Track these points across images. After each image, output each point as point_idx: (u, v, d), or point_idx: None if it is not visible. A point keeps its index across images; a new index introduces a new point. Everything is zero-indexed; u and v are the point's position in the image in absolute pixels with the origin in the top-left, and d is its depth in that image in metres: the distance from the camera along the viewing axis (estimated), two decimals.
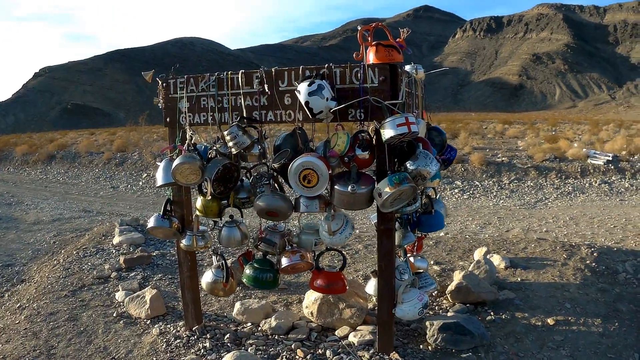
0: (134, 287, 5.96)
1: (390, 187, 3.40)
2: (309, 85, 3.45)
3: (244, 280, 4.06)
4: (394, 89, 3.58)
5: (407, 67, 4.33)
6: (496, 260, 6.31)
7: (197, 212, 4.20)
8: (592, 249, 6.44)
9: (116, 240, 7.95)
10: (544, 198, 13.98)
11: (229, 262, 5.88)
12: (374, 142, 3.67)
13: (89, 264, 7.01)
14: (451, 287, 5.28)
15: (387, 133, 3.39)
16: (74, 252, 7.62)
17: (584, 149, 16.64)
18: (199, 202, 4.17)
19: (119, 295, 5.73)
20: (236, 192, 4.08)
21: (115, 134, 30.30)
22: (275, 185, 3.91)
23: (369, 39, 3.63)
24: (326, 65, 3.65)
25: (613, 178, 15.11)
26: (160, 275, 6.47)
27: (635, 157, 16.19)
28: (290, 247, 4.03)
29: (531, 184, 15.16)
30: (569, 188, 14.68)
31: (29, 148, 25.07)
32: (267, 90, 3.80)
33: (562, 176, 15.46)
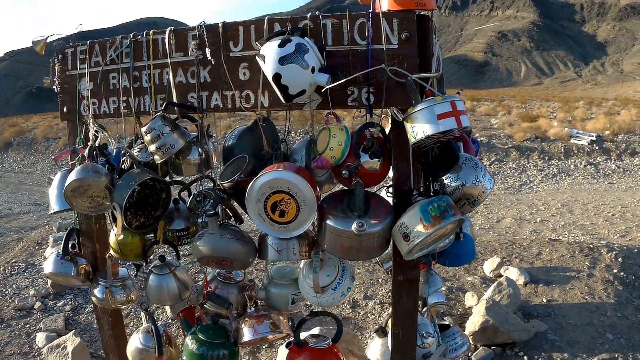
0: (58, 326, 4.49)
1: (426, 224, 1.88)
2: (281, 45, 1.87)
3: (185, 358, 2.48)
4: (424, 53, 2.04)
5: None
6: (513, 274, 4.96)
7: (112, 252, 2.60)
8: (615, 253, 5.45)
9: (49, 252, 6.29)
10: (528, 181, 12.76)
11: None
12: (389, 143, 2.13)
13: (14, 286, 5.56)
14: (473, 325, 3.85)
15: (421, 129, 1.85)
16: (0, 269, 6.01)
17: (566, 129, 15.39)
18: (112, 236, 2.57)
19: (39, 339, 4.32)
20: (168, 222, 2.49)
21: None
22: (228, 210, 2.32)
23: None
24: (309, 15, 2.06)
25: (598, 159, 13.91)
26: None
27: (619, 137, 14.99)
28: (253, 307, 2.46)
29: (513, 165, 13.87)
30: (554, 170, 13.44)
31: None
32: (209, 57, 2.19)
33: (545, 157, 14.20)
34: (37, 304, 4.93)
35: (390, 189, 2.19)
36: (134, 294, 2.74)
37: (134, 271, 2.76)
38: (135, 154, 2.39)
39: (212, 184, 2.37)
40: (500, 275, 5.07)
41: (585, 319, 4.24)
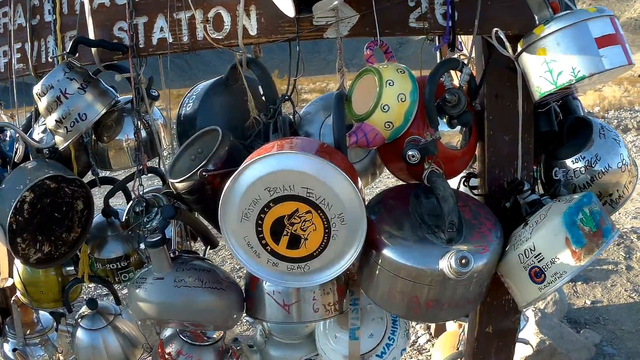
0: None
1: (576, 248, 0.91)
2: None
3: None
4: None
5: None
6: None
7: (18, 294, 1.58)
8: None
9: None
10: None
11: None
12: (478, 100, 1.13)
13: None
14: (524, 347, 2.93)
15: (568, 66, 0.87)
16: None
17: None
18: (16, 272, 1.55)
19: None
20: (96, 248, 1.46)
21: None
22: (191, 228, 1.31)
23: None
24: None
25: None
26: None
27: (610, 113, 14.20)
28: None
29: None
30: None
31: None
32: None
33: None
34: None
35: (474, 181, 1.21)
36: (62, 353, 1.73)
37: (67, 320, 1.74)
38: (37, 137, 1.37)
39: (162, 184, 1.36)
40: None
41: (638, 323, 3.76)
